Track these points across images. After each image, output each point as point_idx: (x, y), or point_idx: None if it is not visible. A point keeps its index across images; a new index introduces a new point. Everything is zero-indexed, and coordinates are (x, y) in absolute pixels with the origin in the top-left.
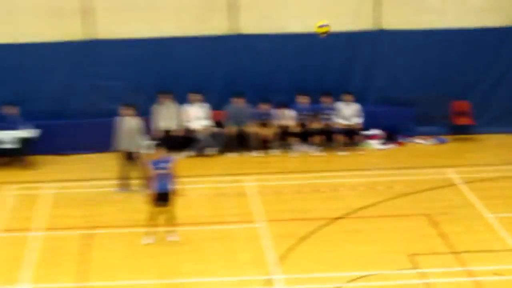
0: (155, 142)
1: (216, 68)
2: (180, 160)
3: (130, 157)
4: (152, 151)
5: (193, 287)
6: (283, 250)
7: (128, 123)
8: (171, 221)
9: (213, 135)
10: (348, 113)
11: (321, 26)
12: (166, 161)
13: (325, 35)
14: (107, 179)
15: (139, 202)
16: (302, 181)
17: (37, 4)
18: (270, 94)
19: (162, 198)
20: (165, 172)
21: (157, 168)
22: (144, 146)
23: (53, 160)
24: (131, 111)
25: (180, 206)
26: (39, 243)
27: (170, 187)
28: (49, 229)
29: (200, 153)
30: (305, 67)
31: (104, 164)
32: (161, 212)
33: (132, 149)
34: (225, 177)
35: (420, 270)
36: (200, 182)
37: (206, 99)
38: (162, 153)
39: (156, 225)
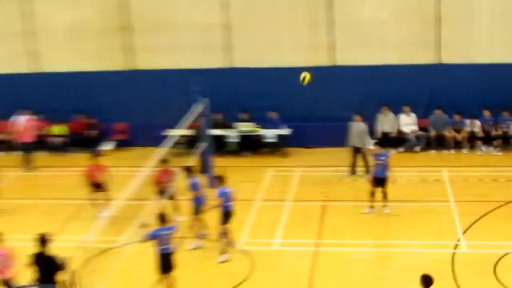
0: (376, 141)
1: (423, 87)
2: (394, 155)
3: (357, 151)
4: (374, 147)
5: (400, 247)
6: (467, 224)
7: (357, 126)
8: (385, 198)
9: (419, 137)
10: None
11: (303, 79)
12: (384, 155)
13: (307, 81)
14: (340, 166)
15: (362, 184)
16: (484, 173)
17: (296, 39)
18: (463, 108)
19: (379, 181)
20: (382, 162)
21: (376, 160)
22: (368, 144)
23: (301, 151)
24: (360, 118)
25: (392, 188)
26: (289, 210)
27: (385, 173)
28: (296, 200)
29: (409, 150)
30: (490, 89)
31: (339, 156)
32: (378, 192)
33: (359, 145)
34: (427, 168)
35: None
36: (408, 171)
37: (414, 110)
38: (380, 149)
39: (374, 201)
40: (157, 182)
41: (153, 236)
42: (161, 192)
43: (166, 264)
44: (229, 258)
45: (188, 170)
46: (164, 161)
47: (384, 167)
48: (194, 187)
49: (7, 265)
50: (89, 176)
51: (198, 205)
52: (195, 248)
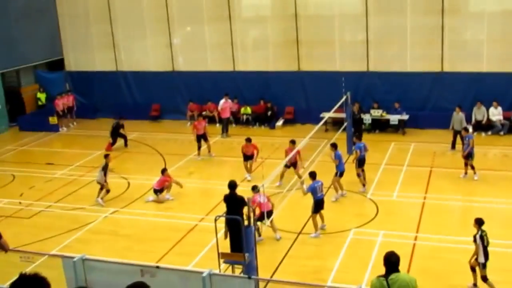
0: (466, 126)
1: (509, 88)
2: (484, 137)
3: (457, 133)
4: (463, 132)
5: (484, 202)
6: None
7: (458, 115)
8: (473, 168)
9: (503, 124)
10: None
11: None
12: (469, 137)
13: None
14: (444, 143)
15: (459, 157)
16: None
17: (415, 52)
18: None
19: (467, 156)
20: (467, 142)
21: (465, 140)
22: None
23: (415, 132)
24: (459, 109)
25: (482, 160)
26: (405, 172)
27: (470, 150)
28: (410, 165)
29: (495, 134)
30: None
31: (443, 136)
32: (469, 162)
33: (459, 128)
34: (508, 147)
35: None
36: (494, 149)
37: (501, 104)
38: (467, 133)
39: (467, 169)
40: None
41: (311, 188)
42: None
43: (320, 206)
44: (319, 236)
45: (334, 145)
46: (293, 141)
47: (468, 146)
48: (338, 157)
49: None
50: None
51: (342, 171)
52: (336, 200)
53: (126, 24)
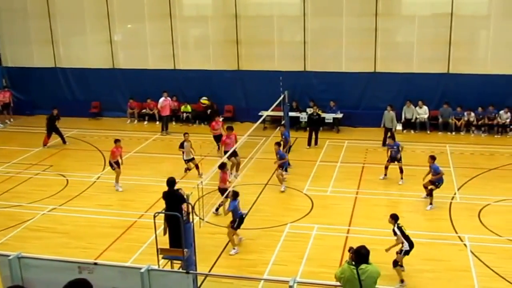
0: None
1: (436, 89)
2: (412, 134)
3: (388, 130)
4: (389, 140)
5: (412, 196)
6: (461, 182)
7: (389, 114)
8: (401, 173)
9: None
10: None
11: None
12: (396, 145)
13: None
14: (375, 140)
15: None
16: (474, 149)
17: (350, 53)
18: (462, 103)
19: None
20: (395, 149)
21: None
22: (396, 126)
23: (349, 130)
24: (391, 108)
25: (410, 156)
26: (339, 168)
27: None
28: (343, 162)
29: (423, 131)
30: (482, 91)
31: (374, 133)
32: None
33: (390, 126)
34: (435, 144)
35: None
36: (422, 146)
37: (428, 104)
38: (393, 141)
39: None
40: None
41: (233, 207)
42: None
43: (242, 223)
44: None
45: (278, 144)
46: (230, 128)
47: (398, 152)
48: (282, 156)
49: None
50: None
51: (286, 166)
52: (283, 191)
53: (65, 19)
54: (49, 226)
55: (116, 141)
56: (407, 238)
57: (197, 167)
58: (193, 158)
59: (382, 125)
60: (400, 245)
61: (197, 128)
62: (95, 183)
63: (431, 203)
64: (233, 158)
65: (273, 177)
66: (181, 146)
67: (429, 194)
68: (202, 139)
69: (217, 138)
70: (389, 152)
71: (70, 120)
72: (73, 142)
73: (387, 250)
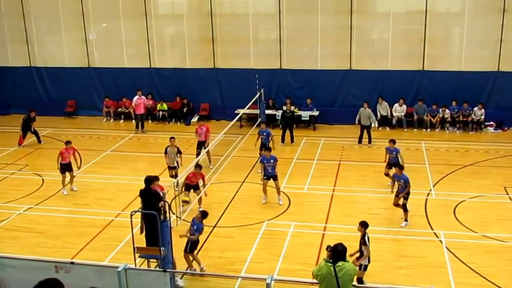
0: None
1: (411, 86)
2: (388, 131)
3: (364, 127)
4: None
5: (388, 193)
6: (437, 179)
7: (365, 111)
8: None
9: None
10: None
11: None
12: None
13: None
14: (351, 137)
15: (365, 150)
16: (449, 145)
17: (326, 51)
18: (437, 100)
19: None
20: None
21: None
22: (373, 122)
23: (325, 127)
24: (367, 105)
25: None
26: (315, 166)
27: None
28: (320, 159)
29: (399, 128)
30: (456, 88)
31: (350, 130)
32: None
33: (366, 124)
34: (410, 141)
35: None
36: (397, 143)
37: (404, 101)
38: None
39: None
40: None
41: (200, 229)
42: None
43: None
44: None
45: (267, 148)
46: (202, 118)
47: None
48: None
49: None
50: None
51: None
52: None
53: (40, 18)
54: (25, 226)
55: (67, 142)
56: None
57: (176, 176)
58: (175, 167)
59: (357, 122)
60: (362, 257)
61: (173, 127)
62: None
63: (406, 220)
64: (205, 151)
65: (250, 175)
66: (166, 152)
67: (405, 209)
68: (178, 137)
69: (200, 145)
70: (387, 156)
71: (46, 119)
72: (49, 142)
73: (352, 256)
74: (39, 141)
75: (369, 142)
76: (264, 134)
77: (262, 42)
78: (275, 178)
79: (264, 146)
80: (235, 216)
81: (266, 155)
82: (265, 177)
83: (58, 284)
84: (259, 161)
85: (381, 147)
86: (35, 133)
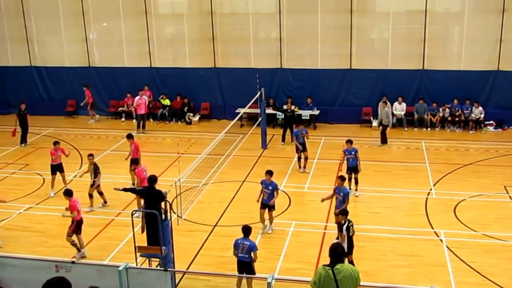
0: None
1: (411, 85)
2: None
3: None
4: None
5: (390, 192)
6: (437, 178)
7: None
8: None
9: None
10: None
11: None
12: (353, 150)
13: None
14: (351, 136)
15: (364, 150)
16: (450, 144)
17: (326, 50)
18: (437, 99)
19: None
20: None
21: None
22: (390, 122)
23: (325, 126)
24: (385, 104)
25: (387, 152)
26: (316, 165)
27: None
28: (320, 159)
29: (399, 127)
30: (457, 87)
31: (350, 129)
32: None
33: (386, 123)
34: (411, 140)
35: None
36: (398, 141)
37: (404, 100)
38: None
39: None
40: None
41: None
42: None
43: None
44: None
45: (268, 172)
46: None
47: (355, 159)
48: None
49: None
50: None
51: None
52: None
53: (40, 18)
54: (25, 225)
55: (55, 143)
56: (349, 239)
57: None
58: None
59: (378, 125)
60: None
61: (173, 126)
62: (72, 182)
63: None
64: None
65: (251, 174)
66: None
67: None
68: (179, 136)
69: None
70: (345, 159)
71: (46, 119)
72: (49, 141)
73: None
74: (24, 142)
75: (383, 142)
76: (300, 133)
77: (262, 42)
78: (270, 208)
79: (303, 146)
80: (236, 215)
81: (267, 179)
82: (260, 206)
83: (65, 283)
84: (260, 181)
85: (381, 147)
86: (25, 132)
